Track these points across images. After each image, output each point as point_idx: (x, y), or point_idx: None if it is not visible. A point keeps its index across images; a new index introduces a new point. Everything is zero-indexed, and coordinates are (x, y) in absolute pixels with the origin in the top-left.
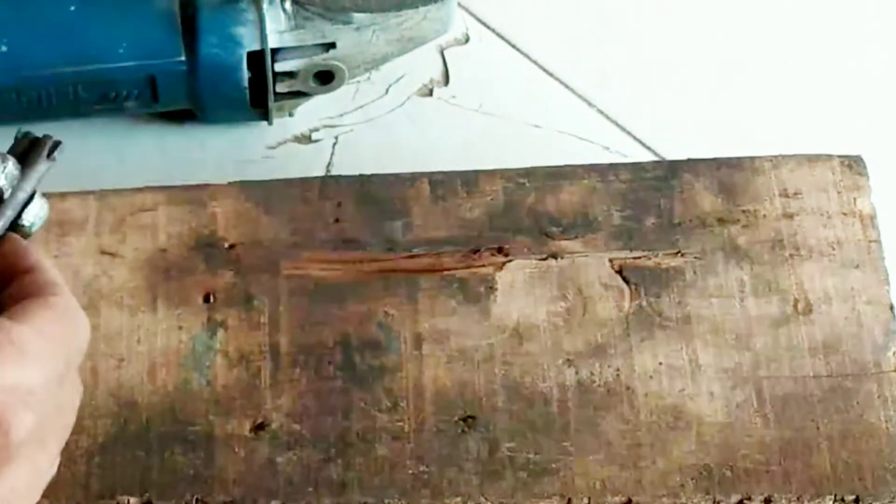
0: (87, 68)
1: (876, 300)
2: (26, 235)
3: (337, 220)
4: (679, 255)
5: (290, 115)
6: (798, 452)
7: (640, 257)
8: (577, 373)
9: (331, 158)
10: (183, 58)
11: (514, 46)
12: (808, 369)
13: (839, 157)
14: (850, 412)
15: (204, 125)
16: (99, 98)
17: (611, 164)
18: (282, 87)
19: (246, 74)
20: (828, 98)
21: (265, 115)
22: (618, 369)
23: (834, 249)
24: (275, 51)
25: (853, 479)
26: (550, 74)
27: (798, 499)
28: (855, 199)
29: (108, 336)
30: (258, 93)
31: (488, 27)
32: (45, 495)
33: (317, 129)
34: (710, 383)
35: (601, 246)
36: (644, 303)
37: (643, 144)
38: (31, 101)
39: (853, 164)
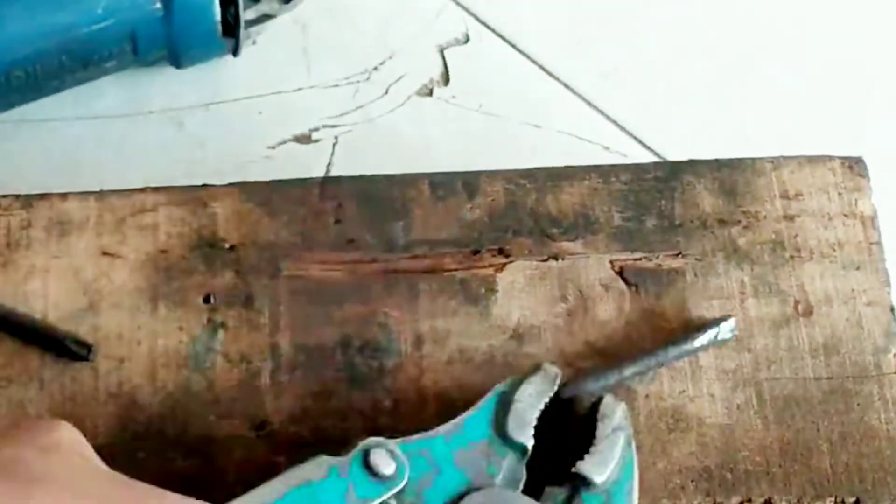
0: (70, 36)
1: (876, 302)
2: None
3: (337, 221)
4: (680, 256)
5: (254, 42)
6: (798, 454)
7: (640, 258)
8: None
9: (331, 158)
10: (159, 5)
11: (514, 46)
12: (809, 371)
13: (840, 158)
14: (850, 414)
15: (204, 125)
16: (83, 64)
17: (611, 165)
18: (250, 14)
19: (217, 8)
20: (828, 99)
21: (235, 47)
22: None
23: (835, 251)
24: None
25: (854, 481)
26: (550, 74)
27: (798, 500)
28: (856, 200)
29: (109, 337)
30: (226, 25)
31: (488, 27)
32: None
33: (317, 129)
34: (710, 385)
35: (602, 247)
36: (644, 304)
37: (643, 144)
38: (19, 80)
39: (854, 166)
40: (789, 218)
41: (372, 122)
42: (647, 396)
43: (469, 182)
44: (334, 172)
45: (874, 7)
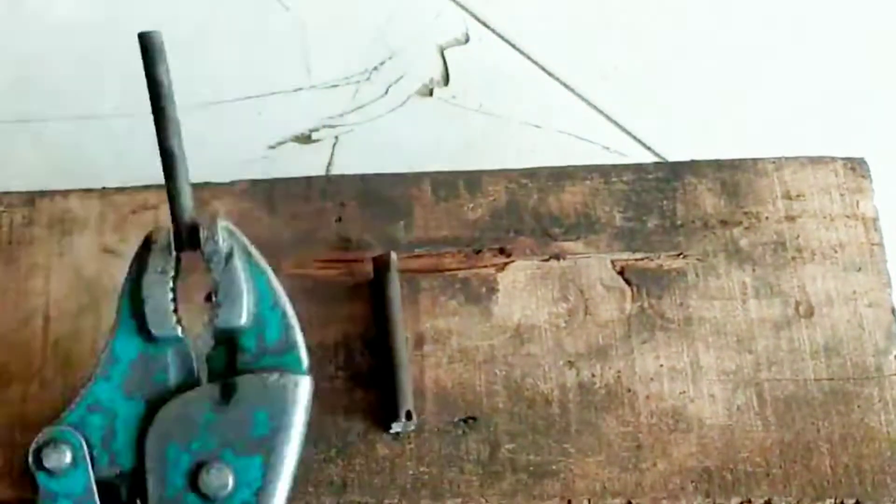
0: None
1: (878, 303)
2: None
3: (339, 220)
4: (681, 256)
5: None
6: (798, 455)
7: (641, 259)
8: (578, 374)
9: (331, 158)
10: None
11: (514, 46)
12: (810, 372)
13: (842, 159)
14: (850, 415)
15: (204, 125)
16: None
17: (613, 165)
18: None
19: None
20: (831, 100)
21: None
22: (619, 371)
23: (836, 252)
24: None
25: (853, 482)
26: (550, 74)
27: (798, 502)
28: (858, 201)
29: None
30: None
31: (488, 27)
32: None
33: (317, 129)
34: (710, 385)
35: (603, 247)
36: (646, 304)
37: (643, 144)
38: None
39: (856, 167)
40: (791, 219)
41: (372, 122)
42: (647, 397)
43: (471, 181)
44: (334, 172)
45: (875, 8)
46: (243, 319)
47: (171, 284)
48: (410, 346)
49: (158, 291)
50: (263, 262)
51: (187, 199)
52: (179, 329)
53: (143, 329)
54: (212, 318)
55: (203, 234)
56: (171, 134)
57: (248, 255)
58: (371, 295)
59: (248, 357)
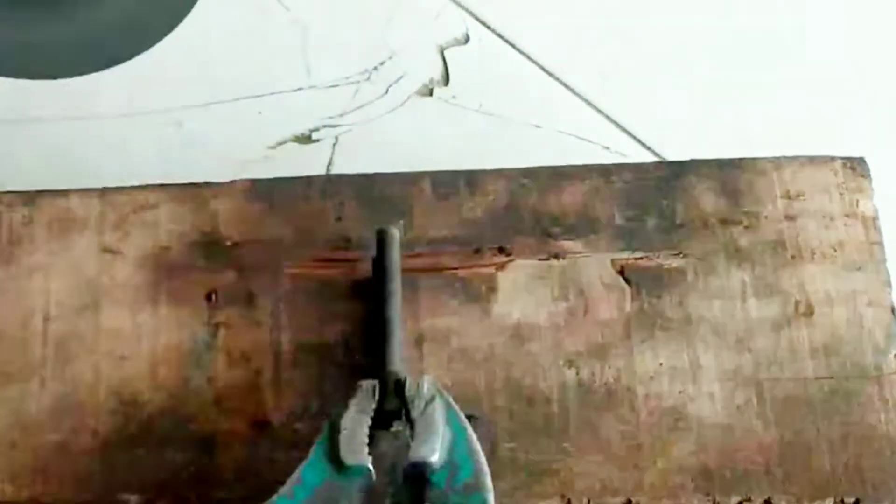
0: None
1: (877, 302)
2: None
3: (339, 219)
4: (681, 256)
5: None
6: (798, 454)
7: (641, 258)
8: (577, 373)
9: (331, 158)
10: None
11: (514, 46)
12: (809, 371)
13: (842, 158)
14: (850, 414)
15: (204, 125)
16: None
17: (613, 165)
18: None
19: None
20: (830, 99)
21: None
22: (618, 370)
23: (836, 251)
24: None
25: (853, 481)
26: (550, 74)
27: (798, 501)
28: (857, 200)
29: (110, 334)
30: None
31: (488, 27)
32: (47, 493)
33: (317, 129)
34: (710, 384)
35: (603, 246)
36: (645, 304)
37: (643, 144)
38: None
39: (856, 166)
40: (791, 218)
41: (372, 122)
42: (647, 396)
43: (471, 181)
44: (334, 172)
45: (875, 8)
46: (436, 456)
47: (369, 423)
48: (411, 345)
49: (356, 426)
50: (463, 417)
51: (397, 360)
52: (370, 460)
53: (334, 458)
54: (404, 453)
55: (409, 384)
56: (392, 307)
57: (449, 406)
58: (371, 294)
59: (436, 493)
